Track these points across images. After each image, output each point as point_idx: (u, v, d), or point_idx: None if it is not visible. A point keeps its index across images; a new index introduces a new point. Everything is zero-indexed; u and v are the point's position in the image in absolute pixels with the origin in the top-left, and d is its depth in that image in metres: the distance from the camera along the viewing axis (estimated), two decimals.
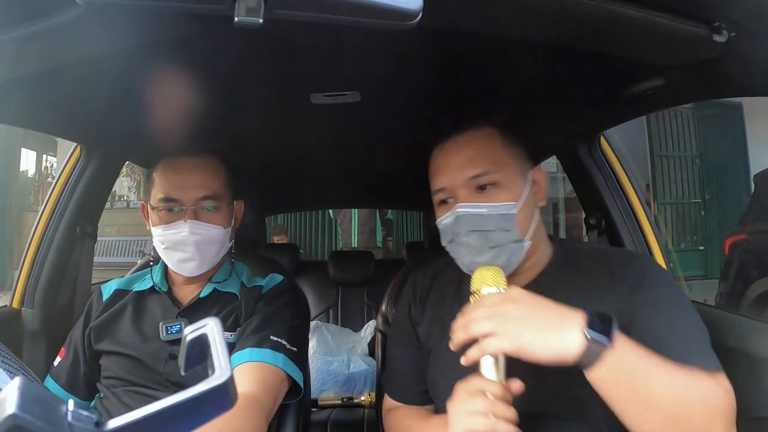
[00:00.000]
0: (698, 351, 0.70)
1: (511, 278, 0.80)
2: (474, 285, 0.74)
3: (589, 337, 0.61)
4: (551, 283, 0.82)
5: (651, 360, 0.64)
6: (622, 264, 0.79)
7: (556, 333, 0.63)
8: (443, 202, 0.85)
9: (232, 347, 0.96)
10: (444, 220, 0.83)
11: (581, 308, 0.69)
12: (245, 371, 0.89)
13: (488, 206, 0.79)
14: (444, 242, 0.86)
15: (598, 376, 0.62)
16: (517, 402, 0.69)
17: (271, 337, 0.94)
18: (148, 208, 1.01)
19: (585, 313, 0.64)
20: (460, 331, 0.68)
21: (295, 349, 0.97)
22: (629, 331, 0.68)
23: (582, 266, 0.83)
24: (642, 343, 0.66)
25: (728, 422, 0.65)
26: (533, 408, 0.72)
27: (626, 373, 0.63)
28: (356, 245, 4.87)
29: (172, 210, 0.97)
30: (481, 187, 0.80)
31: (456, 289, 0.92)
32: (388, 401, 0.99)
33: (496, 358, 0.68)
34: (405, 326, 0.98)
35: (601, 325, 0.63)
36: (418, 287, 0.99)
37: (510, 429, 0.64)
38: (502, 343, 0.64)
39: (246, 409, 0.82)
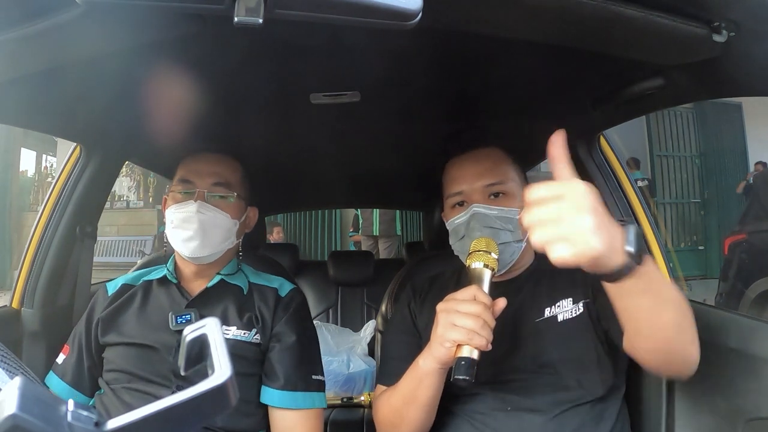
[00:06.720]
0: None
1: (505, 272, 0.94)
2: (472, 248, 0.85)
3: (630, 251, 0.59)
4: (536, 277, 0.97)
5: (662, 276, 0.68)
6: None
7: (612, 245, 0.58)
8: (458, 204, 0.95)
9: (248, 346, 0.99)
10: (458, 219, 0.94)
11: (558, 296, 0.91)
12: (298, 423, 0.98)
13: (499, 209, 0.92)
14: (453, 241, 0.96)
15: (627, 285, 0.61)
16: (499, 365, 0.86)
17: (313, 377, 1.03)
18: (168, 197, 1.06)
19: (622, 228, 0.61)
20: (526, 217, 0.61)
21: (324, 379, 1.06)
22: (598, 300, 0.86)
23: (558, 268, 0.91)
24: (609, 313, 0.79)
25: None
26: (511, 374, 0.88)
27: (650, 282, 0.63)
28: (377, 233, 4.98)
29: (186, 192, 1.02)
30: (494, 195, 0.94)
31: (455, 284, 0.97)
32: (379, 389, 1.00)
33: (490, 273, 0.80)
34: (404, 317, 1.05)
35: (635, 240, 0.61)
36: (417, 288, 1.08)
37: (489, 336, 0.74)
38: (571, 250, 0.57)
39: None
